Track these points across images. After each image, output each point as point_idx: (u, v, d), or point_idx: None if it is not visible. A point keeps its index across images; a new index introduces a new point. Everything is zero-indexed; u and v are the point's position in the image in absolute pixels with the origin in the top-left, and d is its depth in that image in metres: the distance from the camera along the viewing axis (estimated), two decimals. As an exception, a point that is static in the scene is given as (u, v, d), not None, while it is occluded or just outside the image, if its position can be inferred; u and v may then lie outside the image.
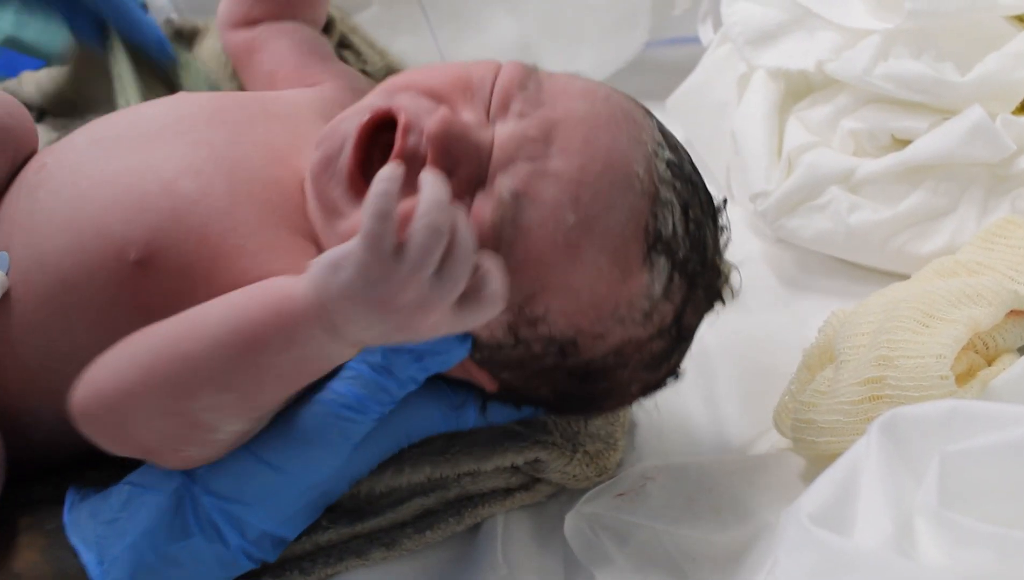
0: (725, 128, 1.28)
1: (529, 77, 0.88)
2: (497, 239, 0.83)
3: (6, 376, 0.90)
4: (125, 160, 0.90)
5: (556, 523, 0.96)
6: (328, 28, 1.41)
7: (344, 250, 0.77)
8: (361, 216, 0.76)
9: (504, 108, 0.86)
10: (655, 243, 0.85)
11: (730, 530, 0.92)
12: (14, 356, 0.89)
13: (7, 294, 0.89)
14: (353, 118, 0.88)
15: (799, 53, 1.23)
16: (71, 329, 0.87)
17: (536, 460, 0.94)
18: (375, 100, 0.90)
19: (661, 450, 1.02)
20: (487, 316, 0.79)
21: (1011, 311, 0.93)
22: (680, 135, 1.34)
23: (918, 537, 0.69)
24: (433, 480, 0.94)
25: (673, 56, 1.49)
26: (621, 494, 0.95)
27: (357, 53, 1.43)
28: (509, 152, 0.84)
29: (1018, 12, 1.18)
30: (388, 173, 0.76)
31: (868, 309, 0.96)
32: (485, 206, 0.83)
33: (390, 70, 1.46)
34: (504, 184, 0.83)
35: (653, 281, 0.86)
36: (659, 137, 0.89)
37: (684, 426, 1.05)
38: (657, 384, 0.94)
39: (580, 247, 0.83)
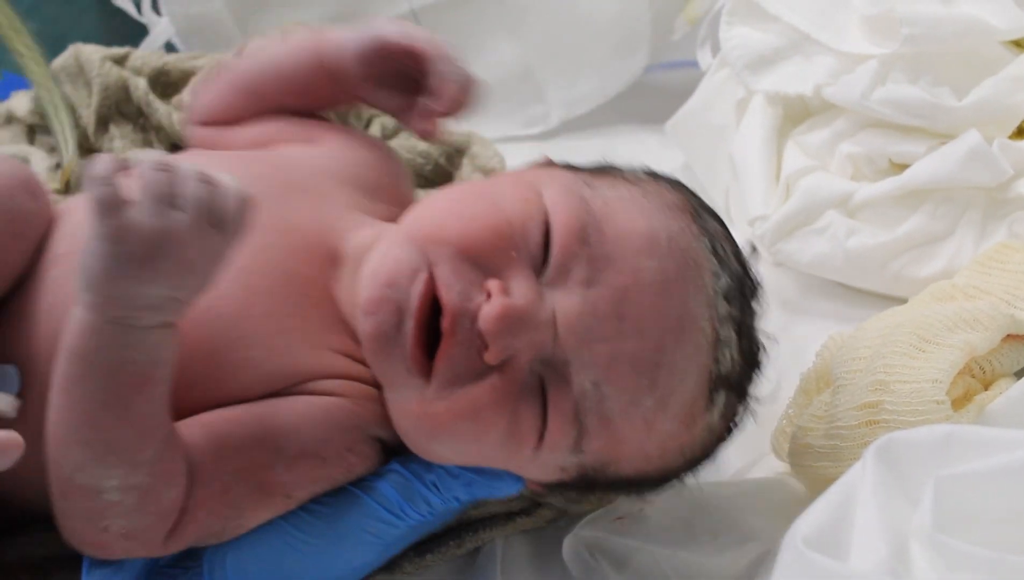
0: (724, 152, 1.29)
1: (587, 224, 0.83)
2: (580, 427, 0.82)
3: (24, 468, 0.81)
4: None
5: (555, 546, 0.96)
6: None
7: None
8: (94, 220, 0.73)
9: (564, 274, 0.82)
10: (716, 385, 0.86)
11: (727, 554, 0.92)
12: (31, 455, 0.79)
13: (23, 408, 0.81)
14: (399, 286, 0.82)
15: (797, 78, 1.24)
16: None
17: (541, 486, 0.95)
18: (410, 256, 0.83)
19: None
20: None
21: (1007, 335, 0.93)
22: (679, 159, 1.36)
23: (913, 561, 0.69)
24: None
25: (672, 80, 1.50)
26: (619, 518, 0.95)
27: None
28: (580, 334, 0.81)
29: (1014, 37, 1.19)
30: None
31: (865, 334, 0.96)
32: (566, 400, 0.82)
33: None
34: (584, 375, 0.81)
35: (714, 415, 0.87)
36: (714, 261, 0.86)
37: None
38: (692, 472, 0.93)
39: (655, 423, 0.84)
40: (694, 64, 1.40)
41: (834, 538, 0.70)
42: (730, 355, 0.86)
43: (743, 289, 0.88)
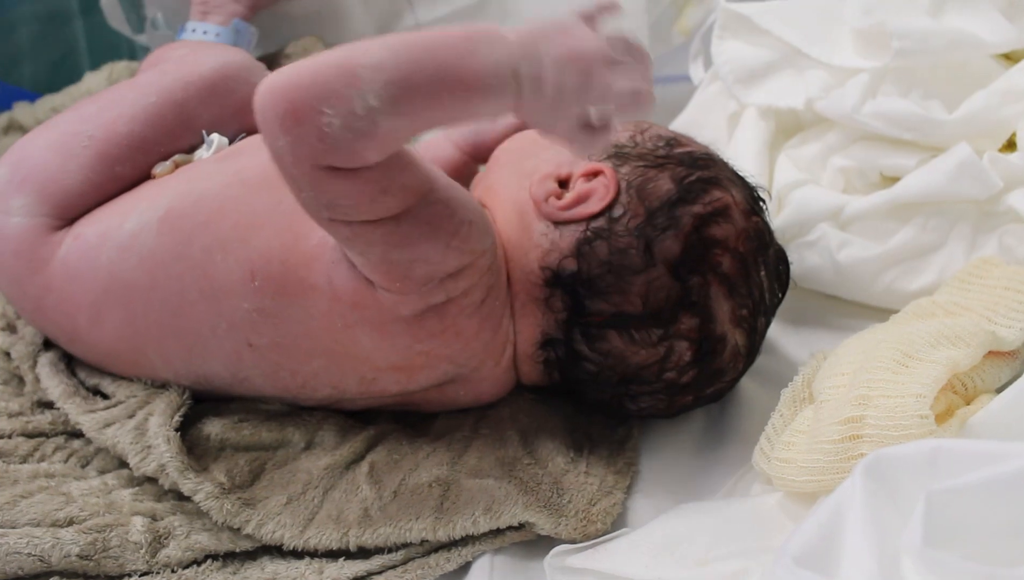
0: (716, 166, 1.29)
1: None
2: None
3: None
4: None
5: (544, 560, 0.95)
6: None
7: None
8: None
9: None
10: None
11: (710, 573, 0.89)
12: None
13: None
14: None
15: (789, 91, 1.24)
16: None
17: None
18: None
19: (643, 490, 1.02)
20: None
21: (989, 352, 0.94)
22: (671, 172, 1.36)
23: (904, 577, 0.69)
24: (425, 541, 0.95)
25: (664, 94, 1.48)
26: (599, 540, 0.94)
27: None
28: None
29: (1004, 51, 1.20)
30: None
31: (847, 351, 0.96)
32: None
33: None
34: None
35: None
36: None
37: (666, 465, 1.05)
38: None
39: None
40: (686, 78, 1.41)
41: (824, 556, 0.70)
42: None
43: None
